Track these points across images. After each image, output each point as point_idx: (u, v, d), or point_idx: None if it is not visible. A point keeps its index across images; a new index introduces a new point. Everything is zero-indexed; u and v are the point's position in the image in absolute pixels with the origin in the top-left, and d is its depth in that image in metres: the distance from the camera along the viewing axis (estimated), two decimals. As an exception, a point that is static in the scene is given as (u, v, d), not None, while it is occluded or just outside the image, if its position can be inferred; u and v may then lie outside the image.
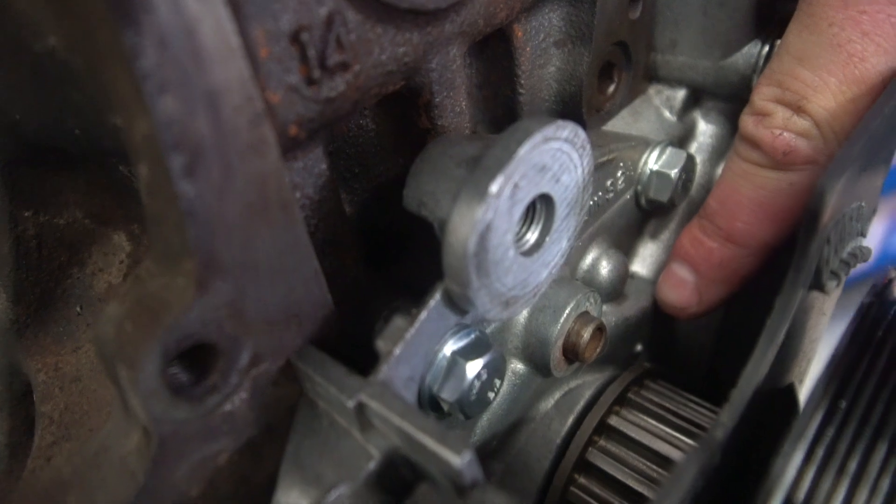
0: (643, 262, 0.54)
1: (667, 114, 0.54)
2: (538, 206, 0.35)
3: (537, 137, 0.32)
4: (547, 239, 0.36)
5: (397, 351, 0.33)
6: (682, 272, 0.49)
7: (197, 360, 0.30)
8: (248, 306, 0.31)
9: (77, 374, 0.41)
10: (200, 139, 0.26)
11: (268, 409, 0.34)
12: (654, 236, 0.55)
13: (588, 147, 0.36)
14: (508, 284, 0.35)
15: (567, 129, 0.34)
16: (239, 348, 0.31)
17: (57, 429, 0.38)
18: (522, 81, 0.47)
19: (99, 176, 0.42)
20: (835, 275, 0.34)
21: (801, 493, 0.29)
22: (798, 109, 0.41)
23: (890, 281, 0.39)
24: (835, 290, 0.44)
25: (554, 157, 0.34)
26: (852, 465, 0.29)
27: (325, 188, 0.36)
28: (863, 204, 0.41)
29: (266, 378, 0.34)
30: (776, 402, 0.43)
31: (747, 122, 0.44)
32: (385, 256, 0.44)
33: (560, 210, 0.36)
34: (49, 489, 0.31)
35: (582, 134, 0.35)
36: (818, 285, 0.33)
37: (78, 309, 0.44)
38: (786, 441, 0.33)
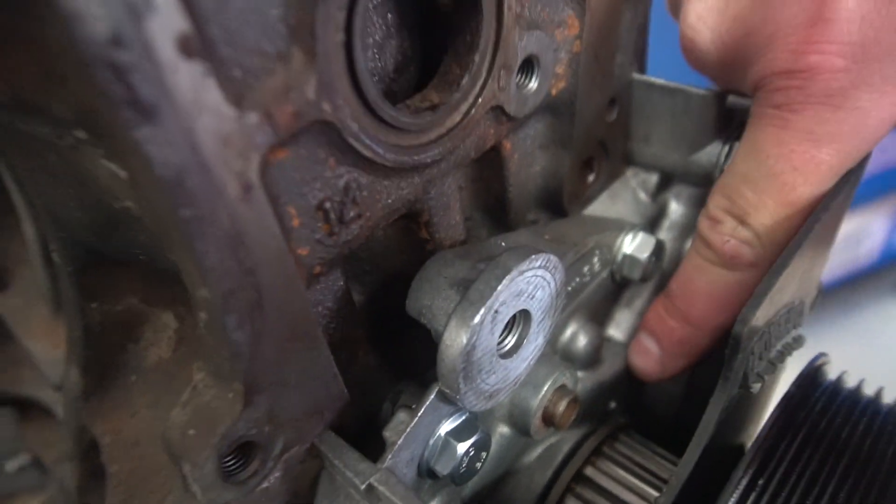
0: (618, 327, 0.62)
1: (642, 195, 0.61)
2: (517, 317, 0.43)
3: (514, 273, 0.39)
4: (525, 341, 0.44)
5: (400, 441, 0.40)
6: (648, 344, 0.56)
7: (242, 453, 0.38)
8: (281, 411, 0.39)
9: (136, 438, 0.49)
10: (249, 302, 0.33)
11: (295, 481, 0.42)
12: (628, 304, 0.62)
13: (560, 266, 0.43)
14: (491, 383, 0.42)
15: (539, 260, 0.41)
16: (274, 442, 0.39)
17: (125, 489, 0.46)
18: (511, 180, 0.54)
19: (151, 269, 0.50)
20: (760, 376, 0.41)
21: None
22: (743, 222, 0.48)
23: (817, 368, 0.46)
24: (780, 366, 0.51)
25: (529, 282, 0.41)
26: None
27: (342, 299, 0.43)
28: (796, 302, 0.47)
29: (295, 459, 0.41)
30: (729, 460, 0.50)
31: (703, 224, 0.51)
32: (391, 337, 0.52)
33: (536, 317, 0.43)
34: (126, 550, 0.39)
35: (553, 259, 0.42)
36: (745, 387, 0.41)
37: (133, 378, 0.53)
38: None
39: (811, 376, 0.44)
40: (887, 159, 2.76)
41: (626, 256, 0.57)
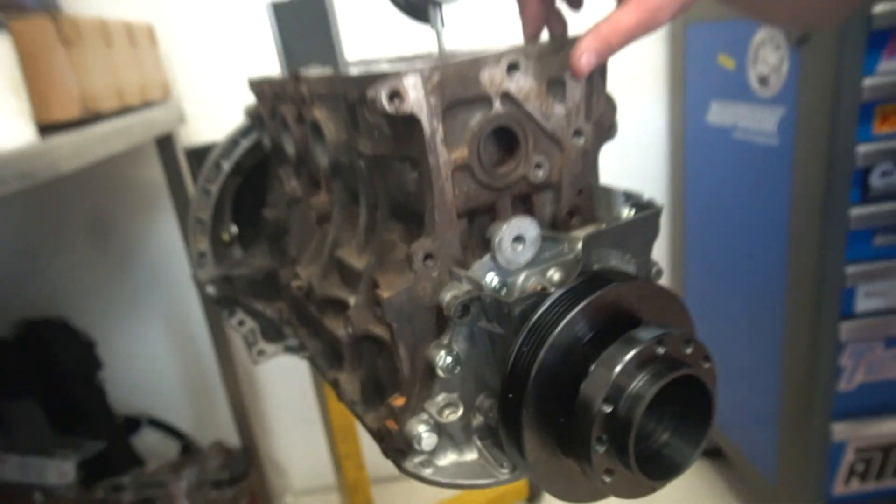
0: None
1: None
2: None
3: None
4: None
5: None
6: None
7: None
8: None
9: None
10: (446, 205, 1.21)
11: (442, 281, 1.26)
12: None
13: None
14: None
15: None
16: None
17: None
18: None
19: (406, 219, 1.41)
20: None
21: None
22: None
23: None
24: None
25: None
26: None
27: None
28: (627, 256, 1.22)
29: (443, 271, 1.25)
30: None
31: None
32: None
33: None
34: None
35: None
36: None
37: (391, 264, 1.42)
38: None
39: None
40: None
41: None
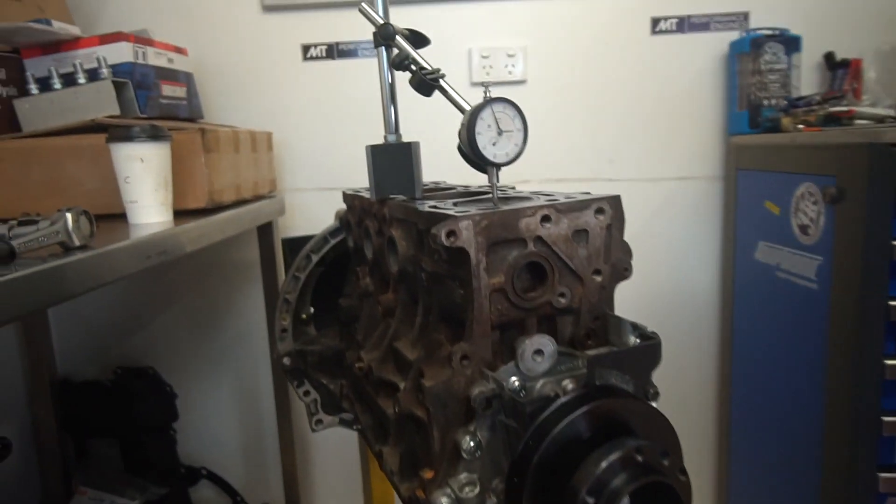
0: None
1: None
2: (541, 352, 1.53)
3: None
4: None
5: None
6: None
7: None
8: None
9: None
10: (483, 312, 1.53)
11: (473, 378, 1.55)
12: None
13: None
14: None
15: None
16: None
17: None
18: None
19: (448, 322, 1.73)
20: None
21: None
22: None
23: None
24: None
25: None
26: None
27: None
28: (627, 376, 1.48)
29: (475, 371, 1.55)
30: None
31: None
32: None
33: (547, 355, 1.53)
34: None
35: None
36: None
37: (435, 358, 1.73)
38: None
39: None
40: None
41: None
